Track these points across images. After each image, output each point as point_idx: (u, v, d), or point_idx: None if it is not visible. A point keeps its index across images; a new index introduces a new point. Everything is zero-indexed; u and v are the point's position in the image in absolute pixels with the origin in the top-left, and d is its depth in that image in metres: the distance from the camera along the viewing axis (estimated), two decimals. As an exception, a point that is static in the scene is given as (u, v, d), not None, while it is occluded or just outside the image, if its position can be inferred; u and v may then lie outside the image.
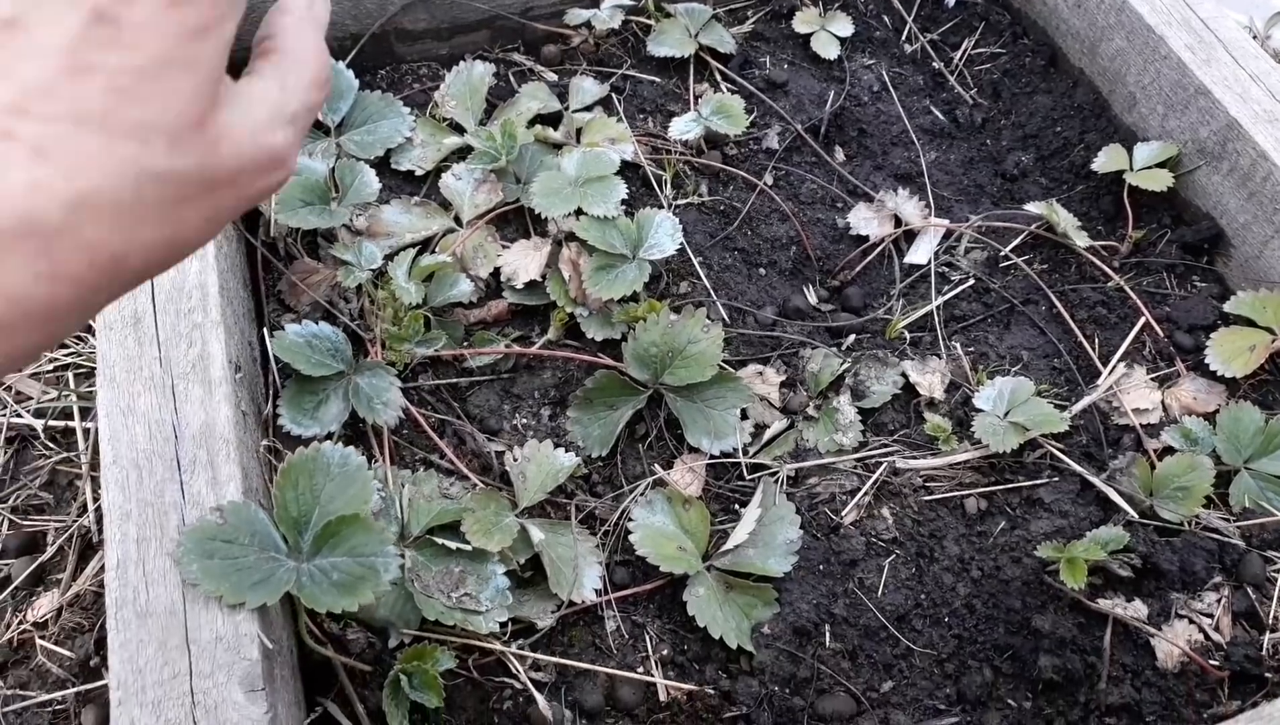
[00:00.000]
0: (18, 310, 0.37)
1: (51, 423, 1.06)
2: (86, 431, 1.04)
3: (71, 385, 1.08)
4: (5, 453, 1.05)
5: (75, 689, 0.89)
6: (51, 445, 1.05)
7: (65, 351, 1.11)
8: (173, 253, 0.43)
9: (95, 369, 1.09)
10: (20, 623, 0.93)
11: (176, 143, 0.40)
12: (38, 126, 0.38)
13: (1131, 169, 1.13)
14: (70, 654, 0.91)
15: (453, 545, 0.82)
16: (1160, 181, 1.10)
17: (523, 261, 1.03)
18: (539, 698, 0.81)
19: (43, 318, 0.38)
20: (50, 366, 1.09)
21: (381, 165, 1.10)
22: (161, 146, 0.40)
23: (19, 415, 1.06)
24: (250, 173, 0.44)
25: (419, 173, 1.10)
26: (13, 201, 0.37)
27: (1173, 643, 0.86)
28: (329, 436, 0.89)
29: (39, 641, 0.91)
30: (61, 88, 0.38)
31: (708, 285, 1.06)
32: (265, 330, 0.93)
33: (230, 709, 0.64)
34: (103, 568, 0.92)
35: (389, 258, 1.01)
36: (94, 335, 1.07)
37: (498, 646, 0.82)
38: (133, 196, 0.39)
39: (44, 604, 0.94)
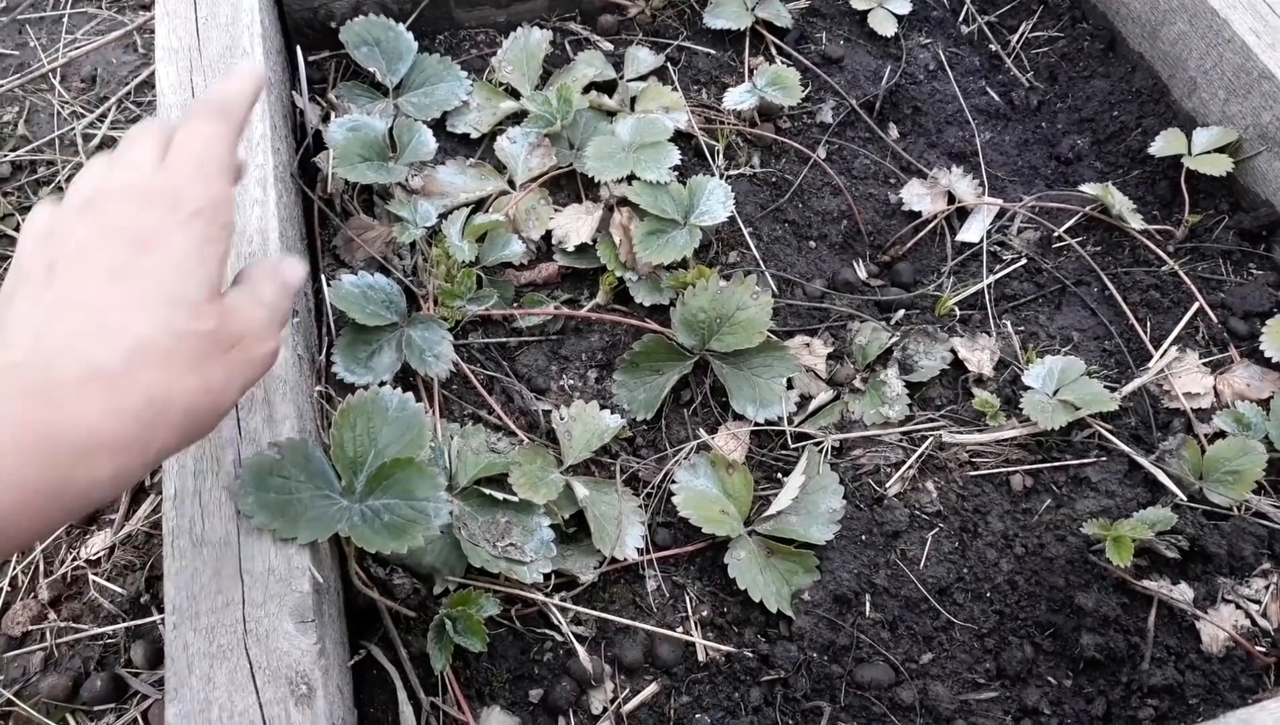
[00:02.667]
0: (95, 439, 0.50)
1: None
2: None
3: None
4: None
5: (125, 624, 0.90)
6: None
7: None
8: (207, 405, 0.56)
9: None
10: (74, 559, 0.95)
11: (197, 310, 0.55)
12: (90, 313, 0.53)
13: (1190, 153, 1.12)
14: (121, 590, 0.92)
15: (499, 496, 0.82)
16: (1220, 166, 1.09)
17: (574, 225, 1.03)
18: (580, 650, 0.81)
19: (114, 448, 0.51)
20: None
21: (438, 127, 1.11)
22: (186, 312, 0.55)
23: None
24: (251, 336, 0.59)
25: (474, 135, 1.11)
26: (85, 353, 0.51)
27: (1219, 626, 0.85)
28: (381, 385, 0.90)
29: (91, 577, 0.93)
30: (105, 286, 0.54)
31: (757, 255, 1.06)
32: (323, 279, 0.95)
33: (281, 638, 0.66)
34: (154, 509, 0.95)
35: (443, 216, 1.02)
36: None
37: (540, 598, 0.83)
38: (172, 346, 0.53)
39: (97, 542, 0.95)
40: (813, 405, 0.98)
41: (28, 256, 0.58)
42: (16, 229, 1.20)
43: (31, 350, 0.51)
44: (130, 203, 0.57)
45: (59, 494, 0.49)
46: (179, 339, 0.54)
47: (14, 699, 0.88)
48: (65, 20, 1.40)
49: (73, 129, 1.28)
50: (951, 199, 1.12)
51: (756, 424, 0.95)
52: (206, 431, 0.57)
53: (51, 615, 0.92)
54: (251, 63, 0.69)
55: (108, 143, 1.28)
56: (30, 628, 0.91)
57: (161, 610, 0.85)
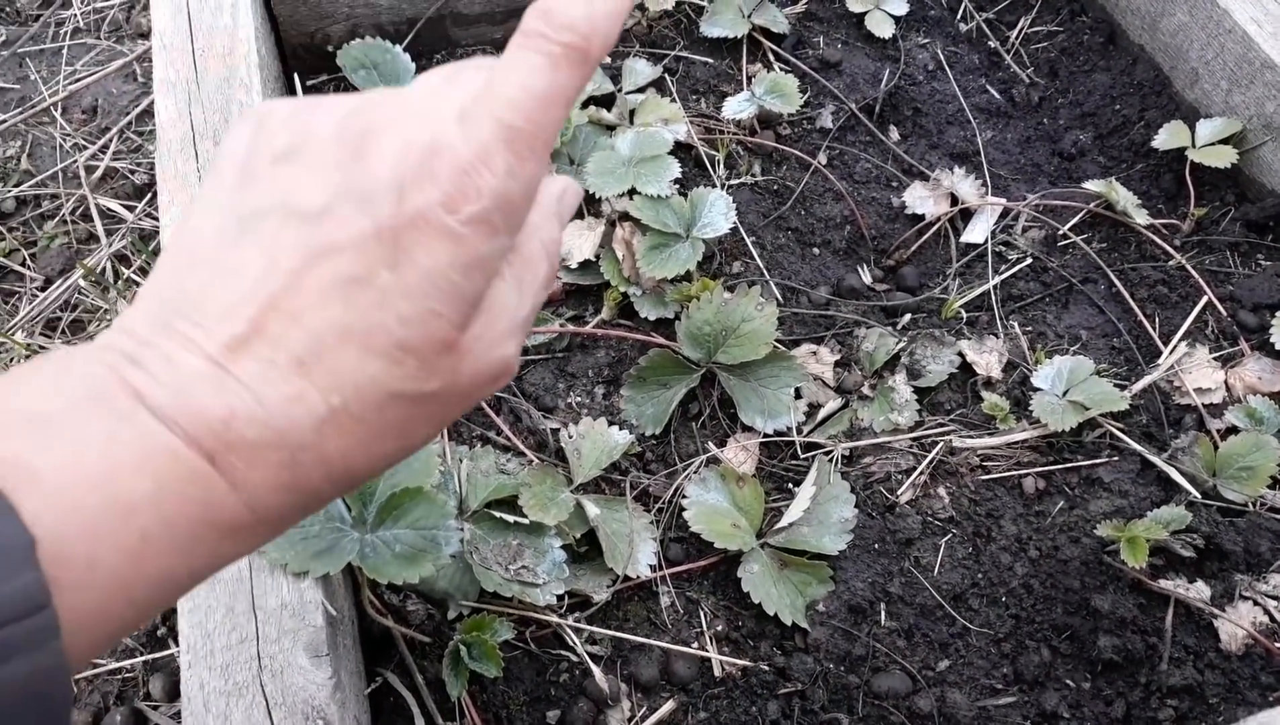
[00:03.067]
0: (252, 514, 0.38)
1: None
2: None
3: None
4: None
5: (143, 658, 0.91)
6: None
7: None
8: (390, 463, 0.42)
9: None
10: (90, 593, 0.95)
11: (426, 365, 0.40)
12: (304, 336, 0.38)
13: (1194, 146, 1.11)
14: (138, 624, 0.93)
15: (510, 519, 0.83)
16: (1224, 158, 1.08)
17: (577, 241, 1.03)
18: (595, 670, 0.81)
19: (270, 522, 0.39)
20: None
21: (437, 147, 1.11)
22: (412, 368, 0.39)
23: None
24: (484, 382, 0.43)
25: (474, 154, 1.11)
26: (271, 412, 0.37)
27: (1237, 624, 0.84)
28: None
29: (108, 612, 0.94)
30: (334, 299, 0.38)
31: (761, 265, 1.06)
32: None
33: (296, 673, 0.66)
34: (169, 541, 0.95)
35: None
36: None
37: (554, 619, 0.83)
38: (377, 416, 0.39)
39: (113, 576, 0.96)
40: (821, 414, 0.97)
41: (264, 158, 0.42)
42: (23, 264, 1.21)
43: (219, 367, 0.38)
44: (400, 158, 0.39)
45: (200, 574, 0.38)
46: (387, 403, 0.39)
47: (36, 735, 0.88)
48: (65, 52, 1.40)
49: (75, 161, 1.29)
50: (955, 200, 1.12)
51: (765, 435, 0.95)
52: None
53: (70, 650, 0.93)
54: None
55: (110, 174, 1.28)
56: (50, 663, 0.92)
57: (179, 643, 0.86)
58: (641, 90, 1.18)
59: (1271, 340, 0.99)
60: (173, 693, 0.88)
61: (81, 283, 1.17)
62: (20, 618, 0.32)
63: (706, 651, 0.84)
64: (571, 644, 0.83)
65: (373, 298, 0.38)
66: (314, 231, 0.39)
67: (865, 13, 1.28)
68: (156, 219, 1.22)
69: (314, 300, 0.38)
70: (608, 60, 1.22)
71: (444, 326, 0.40)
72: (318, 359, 0.38)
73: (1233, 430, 0.95)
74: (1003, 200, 1.13)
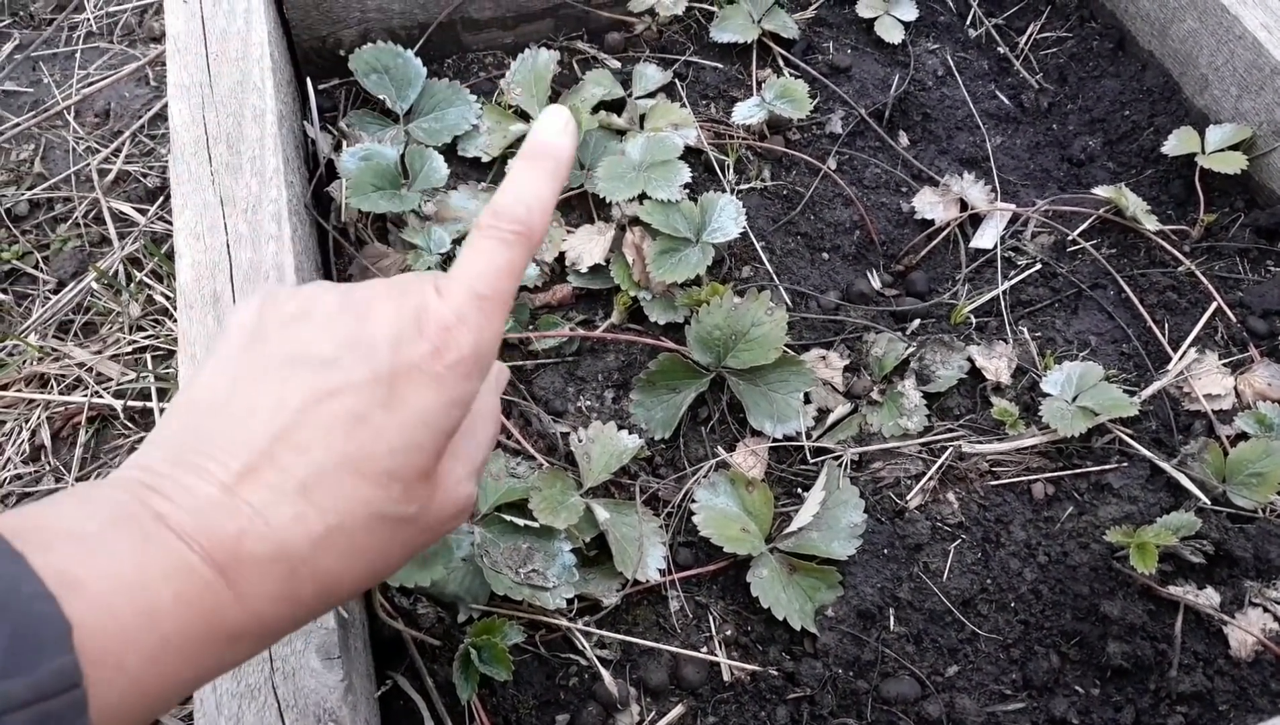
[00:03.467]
0: (254, 622, 0.43)
1: (130, 403, 1.09)
2: (165, 411, 1.07)
3: (150, 367, 1.12)
4: (87, 433, 1.08)
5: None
6: (131, 425, 1.09)
7: (144, 334, 1.14)
8: (370, 583, 0.49)
9: (172, 352, 1.12)
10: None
11: (408, 491, 0.47)
12: (308, 466, 0.45)
13: (1204, 152, 1.11)
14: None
15: (520, 523, 0.83)
16: (1234, 164, 1.08)
17: (587, 246, 1.04)
18: (605, 674, 0.82)
19: (267, 632, 0.45)
20: (129, 348, 1.13)
21: (449, 152, 1.11)
22: (397, 493, 0.46)
23: (99, 396, 1.09)
24: (450, 515, 0.51)
25: (485, 159, 1.12)
26: (275, 530, 0.43)
27: (1247, 631, 0.84)
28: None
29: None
30: (336, 435, 0.45)
31: (770, 270, 1.06)
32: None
33: (308, 675, 0.66)
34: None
35: (457, 242, 1.02)
36: (172, 317, 1.10)
37: (564, 623, 0.84)
38: (364, 535, 0.46)
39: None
40: (831, 419, 0.98)
41: (272, 327, 0.49)
42: (36, 267, 1.21)
43: (231, 493, 0.44)
44: (395, 320, 0.48)
45: (203, 678, 0.43)
46: (373, 523, 0.46)
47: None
48: (78, 56, 1.41)
49: (88, 165, 1.29)
50: (964, 206, 1.12)
51: (775, 440, 0.95)
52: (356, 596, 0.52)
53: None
54: (558, 139, 0.53)
55: (123, 177, 1.29)
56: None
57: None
58: (652, 95, 1.18)
59: (1281, 347, 1.00)
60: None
61: (94, 286, 1.18)
62: (58, 693, 0.36)
63: (716, 656, 0.84)
64: (581, 648, 0.84)
65: (370, 432, 0.46)
66: (321, 376, 0.46)
67: (875, 18, 1.28)
68: (169, 222, 1.22)
69: (319, 434, 0.45)
70: (617, 65, 1.22)
71: (424, 457, 0.47)
72: (319, 485, 0.44)
73: (1242, 436, 0.95)
74: (1012, 206, 1.13)
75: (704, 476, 0.92)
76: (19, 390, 1.10)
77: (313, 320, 0.49)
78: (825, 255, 1.10)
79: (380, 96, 1.12)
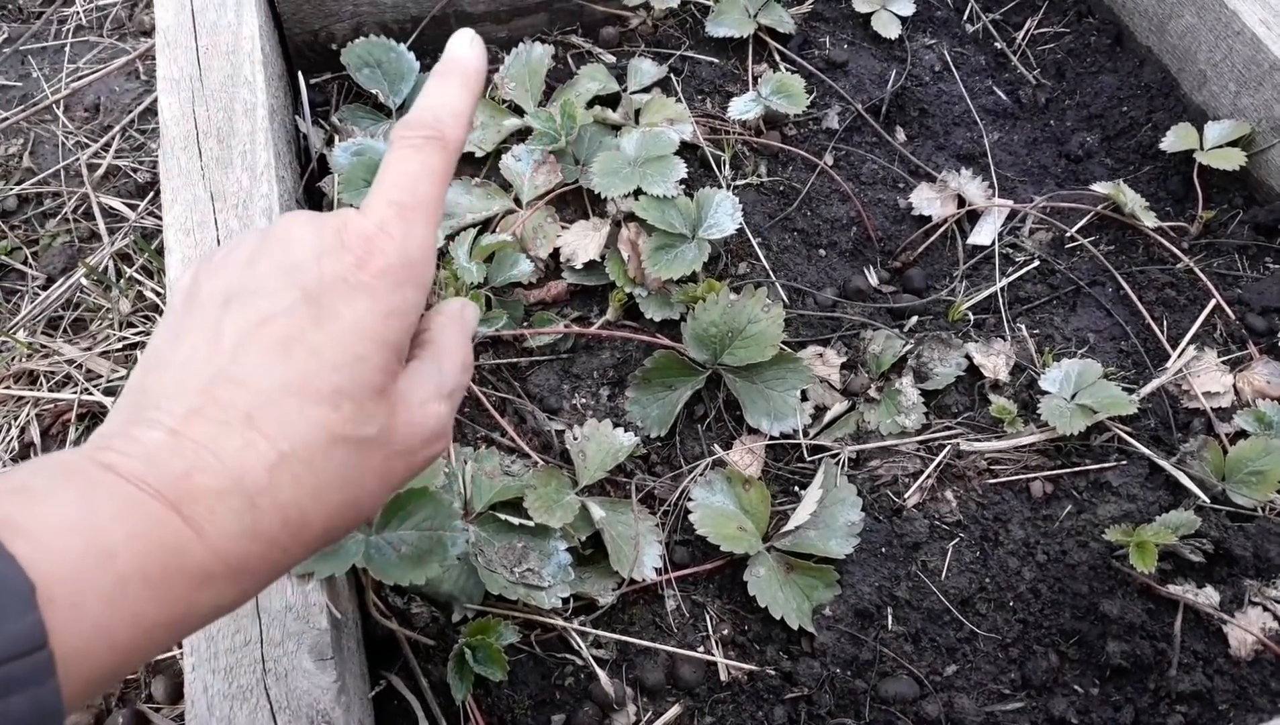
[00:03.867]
0: (220, 562, 0.42)
1: (120, 400, 1.08)
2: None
3: (139, 364, 1.10)
4: (76, 430, 1.07)
5: (145, 659, 0.90)
6: (120, 422, 1.07)
7: (134, 330, 1.13)
8: (347, 519, 0.47)
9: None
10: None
11: (362, 409, 0.46)
12: (250, 396, 0.44)
13: (1202, 148, 1.10)
14: (140, 625, 0.92)
15: (515, 521, 0.82)
16: (1232, 160, 1.07)
17: (582, 242, 1.03)
18: (601, 674, 0.81)
19: (237, 572, 0.43)
20: (119, 345, 1.11)
21: (442, 147, 1.10)
22: (349, 412, 0.45)
23: (89, 393, 1.08)
24: (420, 439, 0.49)
25: (479, 154, 1.10)
26: (225, 462, 0.42)
27: (1246, 630, 0.84)
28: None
29: (110, 613, 0.93)
30: (273, 360, 0.45)
31: (767, 266, 1.05)
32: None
33: (300, 676, 0.65)
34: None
35: (450, 238, 1.01)
36: (161, 313, 1.09)
37: (559, 623, 0.83)
38: (322, 459, 0.44)
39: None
40: (828, 417, 0.97)
41: (204, 279, 0.49)
42: (25, 262, 1.20)
43: (177, 434, 0.43)
44: (316, 239, 0.48)
45: (176, 625, 0.42)
46: (332, 447, 0.45)
47: (36, 737, 0.88)
48: (67, 50, 1.40)
49: (77, 159, 1.28)
50: (961, 202, 1.12)
51: (772, 437, 0.95)
52: (339, 539, 0.50)
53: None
54: (466, 52, 0.55)
55: (113, 172, 1.28)
56: (51, 665, 0.91)
57: (181, 646, 0.85)
58: (647, 90, 1.17)
59: (1280, 344, 0.99)
60: (175, 695, 0.88)
61: (83, 281, 1.17)
62: (22, 655, 0.35)
63: (712, 655, 0.84)
64: (577, 647, 0.83)
65: (306, 351, 0.45)
66: (251, 307, 0.46)
67: (871, 13, 1.27)
68: (159, 217, 1.21)
69: (256, 364, 0.44)
70: (612, 59, 1.21)
71: (371, 370, 0.46)
72: (264, 412, 0.43)
73: (1241, 434, 0.94)
74: (1010, 202, 1.12)
75: (700, 475, 0.91)
76: (8, 387, 1.09)
77: (239, 261, 0.49)
78: (822, 252, 1.09)
79: (373, 91, 1.11)
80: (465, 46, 0.56)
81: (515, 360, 0.99)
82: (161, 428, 0.43)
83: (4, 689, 0.34)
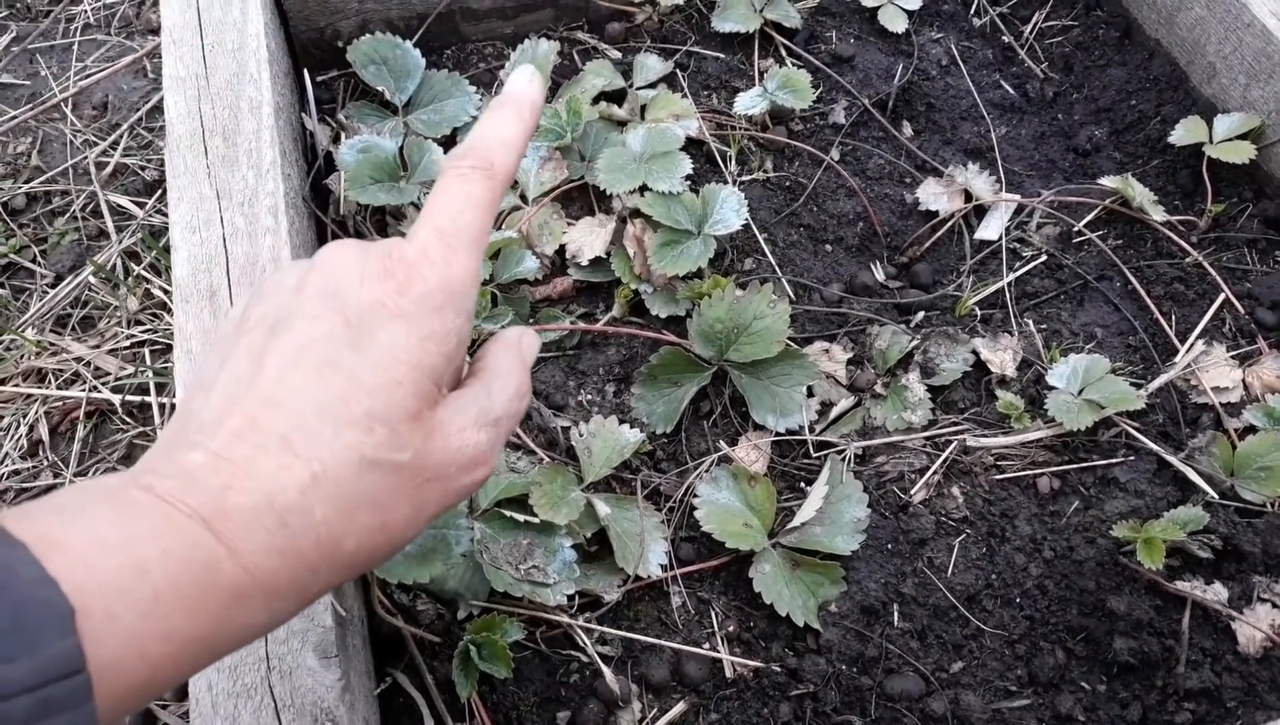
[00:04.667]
0: (251, 579, 0.43)
1: (129, 398, 1.08)
2: (163, 406, 1.07)
3: (148, 361, 1.11)
4: (85, 427, 1.08)
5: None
6: (129, 420, 1.08)
7: (142, 328, 1.13)
8: (378, 543, 0.47)
9: (170, 346, 1.11)
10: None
11: (395, 434, 0.46)
12: (287, 418, 0.45)
13: (1211, 141, 1.10)
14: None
15: (520, 518, 0.82)
16: (1242, 154, 1.07)
17: (587, 238, 1.03)
18: (606, 671, 0.81)
19: (268, 590, 0.43)
20: (128, 342, 1.12)
21: (448, 144, 1.10)
22: (382, 436, 0.45)
23: (97, 390, 1.09)
24: (456, 467, 0.49)
25: (484, 151, 1.10)
26: (261, 482, 0.43)
27: (1255, 627, 0.83)
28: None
29: (118, 610, 0.93)
30: (310, 383, 0.46)
31: (773, 262, 1.05)
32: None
33: (305, 674, 0.65)
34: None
35: (455, 235, 1.01)
36: (170, 311, 1.09)
37: (565, 619, 0.83)
38: (354, 481, 0.45)
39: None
40: (834, 413, 0.97)
41: (253, 306, 0.51)
42: (34, 260, 1.20)
43: (217, 456, 0.44)
44: (359, 265, 0.49)
45: (208, 642, 0.42)
46: (364, 470, 0.45)
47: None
48: (75, 48, 1.40)
49: (85, 157, 1.28)
50: (969, 197, 1.11)
51: (777, 434, 0.94)
52: (378, 566, 0.50)
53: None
54: (524, 87, 0.57)
55: (120, 171, 1.28)
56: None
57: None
58: (653, 86, 1.17)
59: (1290, 338, 0.98)
60: (180, 693, 0.88)
61: (92, 279, 1.17)
62: (61, 678, 0.36)
63: (718, 652, 0.84)
64: (582, 644, 0.83)
65: (343, 375, 0.46)
66: (294, 332, 0.47)
67: (878, 7, 1.26)
68: (166, 215, 1.21)
69: (296, 387, 0.45)
70: (618, 55, 1.21)
71: (406, 395, 0.46)
72: (299, 434, 0.44)
73: (1251, 430, 0.94)
74: (1017, 196, 1.11)
75: (706, 471, 0.91)
76: (16, 385, 1.09)
77: (286, 287, 0.50)
78: (828, 247, 1.09)
79: (379, 88, 1.11)
80: (525, 81, 0.57)
81: (521, 357, 0.98)
82: (202, 449, 0.44)
83: (43, 711, 0.35)
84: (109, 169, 1.28)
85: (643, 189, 1.02)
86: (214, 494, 0.43)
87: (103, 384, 1.09)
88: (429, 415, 0.48)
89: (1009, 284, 1.06)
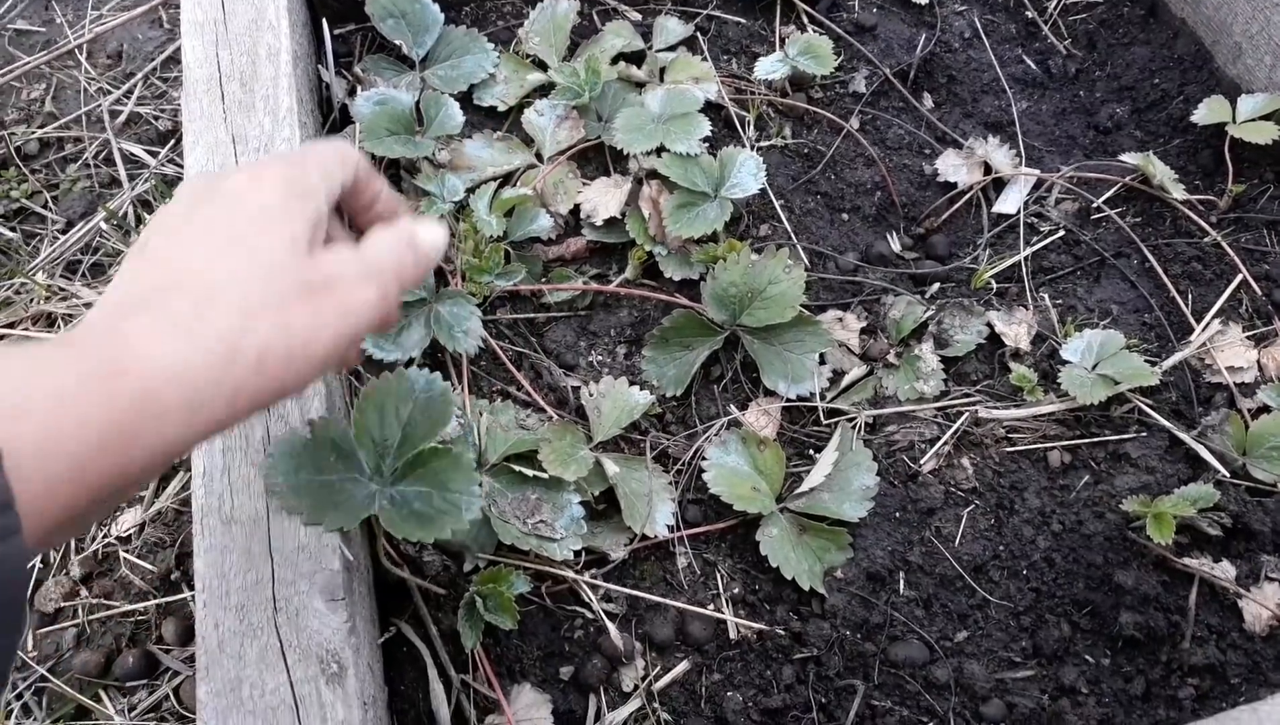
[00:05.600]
0: (162, 373, 0.46)
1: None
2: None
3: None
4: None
5: (156, 601, 0.91)
6: (137, 367, 1.07)
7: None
8: (283, 343, 0.51)
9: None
10: (105, 536, 0.95)
11: (285, 254, 0.54)
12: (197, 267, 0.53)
13: (1234, 121, 1.09)
14: (152, 567, 0.93)
15: (529, 473, 0.82)
16: (1265, 134, 1.06)
17: (602, 198, 1.02)
18: (610, 627, 0.81)
19: (181, 382, 0.47)
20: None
21: (465, 100, 1.09)
22: (269, 256, 0.53)
23: (106, 337, 1.08)
24: (343, 282, 0.55)
25: (501, 108, 1.10)
26: (165, 292, 0.50)
27: (1262, 605, 0.83)
28: (410, 362, 0.90)
29: (122, 554, 0.94)
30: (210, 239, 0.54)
31: (789, 228, 1.04)
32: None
33: (311, 616, 0.65)
34: (184, 487, 0.95)
35: (471, 191, 1.01)
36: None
37: (570, 575, 0.83)
38: (245, 286, 0.51)
39: (127, 519, 0.96)
40: (845, 381, 0.96)
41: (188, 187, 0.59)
42: (45, 206, 1.20)
43: (133, 289, 0.51)
44: (252, 167, 0.59)
45: (126, 437, 0.45)
46: (255, 279, 0.52)
47: (48, 675, 0.88)
48: (91, -5, 1.39)
49: (99, 105, 1.28)
50: (988, 170, 1.10)
51: (788, 400, 0.94)
52: (294, 381, 0.52)
53: (83, 592, 0.93)
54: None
55: (134, 120, 1.27)
56: (62, 604, 0.92)
57: (192, 587, 0.85)
58: (673, 48, 1.16)
59: (1307, 321, 0.98)
60: (185, 637, 0.88)
61: (103, 226, 1.17)
62: None
63: (722, 613, 0.84)
64: (587, 600, 0.83)
65: (233, 221, 0.54)
66: (215, 197, 0.56)
67: (902, -23, 1.25)
68: (180, 165, 1.21)
69: (202, 236, 0.54)
70: (638, 17, 1.20)
71: (295, 227, 0.55)
72: (202, 260, 0.52)
73: (1264, 409, 0.93)
74: (1037, 171, 1.11)
75: (715, 434, 0.91)
76: (25, 328, 1.09)
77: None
78: (845, 215, 1.08)
79: (397, 42, 1.10)
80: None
81: (533, 316, 0.98)
82: (108, 301, 0.51)
83: None
84: (123, 117, 1.27)
85: (660, 150, 1.02)
86: (128, 312, 0.49)
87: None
88: (315, 242, 0.56)
89: (1025, 258, 1.05)
